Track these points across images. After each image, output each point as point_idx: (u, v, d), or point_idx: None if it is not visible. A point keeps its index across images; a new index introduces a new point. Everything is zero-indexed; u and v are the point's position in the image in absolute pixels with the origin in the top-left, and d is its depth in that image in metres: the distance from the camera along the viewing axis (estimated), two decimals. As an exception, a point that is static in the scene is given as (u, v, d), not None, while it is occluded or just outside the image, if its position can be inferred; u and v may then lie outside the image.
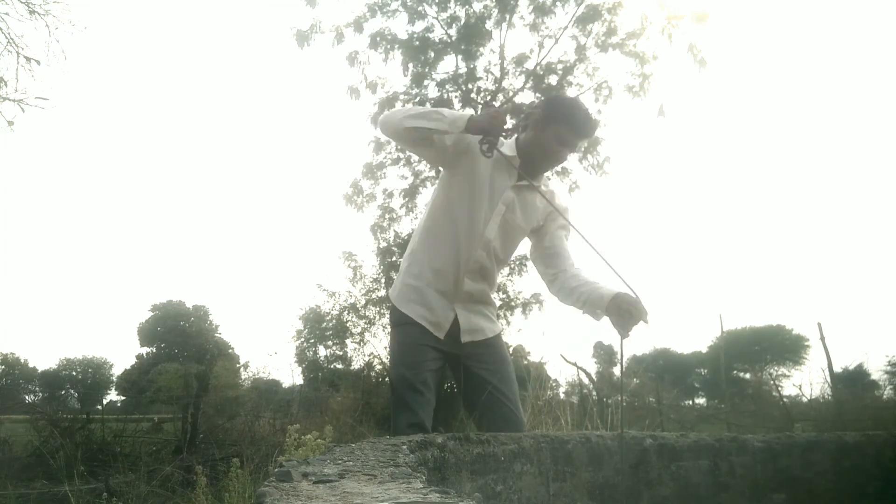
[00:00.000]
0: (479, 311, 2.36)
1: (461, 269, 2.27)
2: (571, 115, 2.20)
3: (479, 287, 2.34)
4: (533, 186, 2.27)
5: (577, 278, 2.22)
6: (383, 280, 11.58)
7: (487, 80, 11.25)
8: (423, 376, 2.22)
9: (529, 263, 11.57)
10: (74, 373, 54.57)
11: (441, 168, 2.37)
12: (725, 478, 2.20)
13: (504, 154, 2.20)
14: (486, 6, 10.74)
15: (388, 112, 2.23)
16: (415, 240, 2.40)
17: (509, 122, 2.13)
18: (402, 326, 2.31)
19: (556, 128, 2.18)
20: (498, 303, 11.58)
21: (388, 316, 11.57)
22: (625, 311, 2.00)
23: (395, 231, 11.63)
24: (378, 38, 10.61)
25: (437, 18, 10.86)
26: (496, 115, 2.06)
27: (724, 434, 2.44)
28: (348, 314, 13.44)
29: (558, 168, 11.29)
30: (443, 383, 2.33)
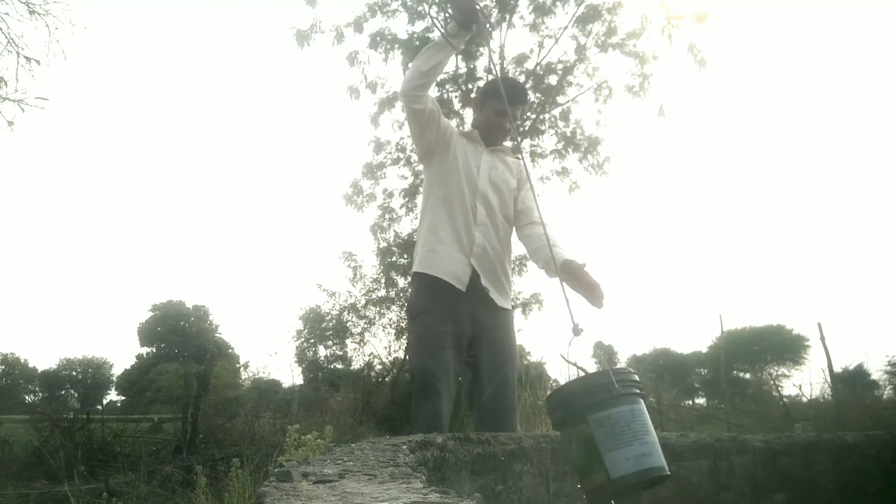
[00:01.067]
0: (495, 273, 2.50)
1: (470, 221, 2.48)
2: (499, 88, 2.49)
3: (491, 243, 2.50)
4: (505, 149, 2.70)
5: (539, 238, 2.41)
6: (383, 280, 11.58)
7: (487, 80, 11.25)
8: (444, 365, 2.31)
9: (529, 263, 11.65)
10: (74, 373, 54.57)
11: (428, 159, 2.65)
12: (725, 478, 2.20)
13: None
14: (486, 6, 10.74)
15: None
16: (423, 222, 2.59)
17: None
18: (420, 317, 2.41)
19: (491, 102, 2.60)
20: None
21: (387, 316, 11.45)
22: (585, 285, 2.17)
23: (395, 231, 11.64)
24: (378, 38, 10.61)
25: (437, 18, 10.86)
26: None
27: (724, 434, 2.44)
28: (348, 314, 13.44)
29: (558, 168, 11.34)
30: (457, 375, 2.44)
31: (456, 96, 11.24)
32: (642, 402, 1.57)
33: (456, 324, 2.37)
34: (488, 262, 2.48)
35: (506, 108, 2.51)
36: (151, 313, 47.81)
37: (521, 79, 11.12)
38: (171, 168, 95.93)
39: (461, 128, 2.74)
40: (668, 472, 1.51)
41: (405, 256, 11.52)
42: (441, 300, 2.38)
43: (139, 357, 47.28)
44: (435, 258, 2.44)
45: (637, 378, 1.61)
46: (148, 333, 47.37)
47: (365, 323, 12.17)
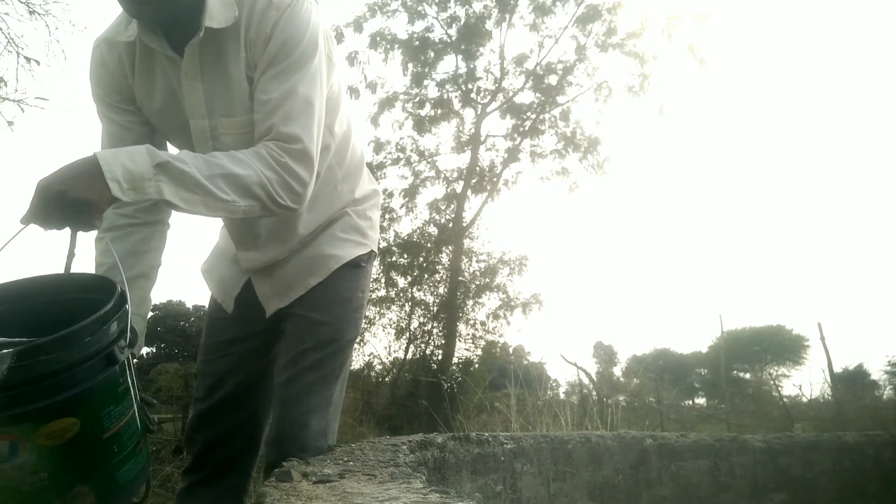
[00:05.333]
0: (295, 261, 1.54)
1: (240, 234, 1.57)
2: None
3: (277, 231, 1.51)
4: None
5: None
6: (383, 280, 11.59)
7: (487, 80, 11.27)
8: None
9: (530, 263, 11.66)
10: (74, 373, 54.61)
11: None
12: (725, 478, 2.20)
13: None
14: (486, 6, 10.76)
15: None
16: None
17: None
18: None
19: None
20: (497, 302, 11.68)
21: (387, 316, 11.40)
22: None
23: (395, 231, 11.65)
24: (378, 38, 10.64)
25: (437, 18, 10.88)
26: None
27: (724, 434, 2.45)
28: (348, 314, 13.40)
29: (558, 168, 11.35)
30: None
31: (456, 96, 11.25)
32: None
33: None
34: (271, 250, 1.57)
35: None
36: (151, 313, 47.84)
37: (521, 79, 11.14)
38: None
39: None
40: None
41: (405, 256, 11.52)
42: None
43: (139, 357, 47.33)
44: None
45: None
46: (148, 333, 47.24)
47: (365, 323, 12.17)
